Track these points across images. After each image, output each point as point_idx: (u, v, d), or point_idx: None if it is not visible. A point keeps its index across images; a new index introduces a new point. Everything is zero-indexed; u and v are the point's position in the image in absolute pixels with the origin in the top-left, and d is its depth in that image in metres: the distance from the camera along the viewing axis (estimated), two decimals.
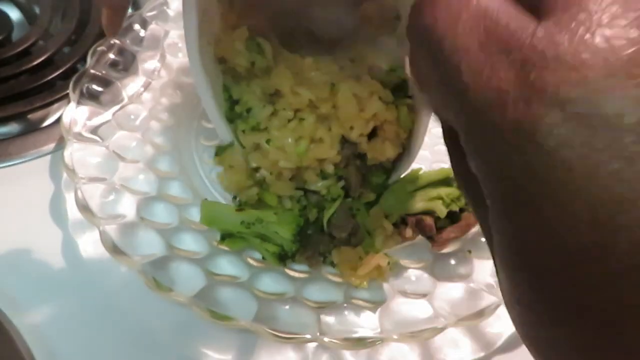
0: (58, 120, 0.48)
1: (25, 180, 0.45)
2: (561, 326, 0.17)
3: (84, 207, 0.39)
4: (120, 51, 0.48)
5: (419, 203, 0.42)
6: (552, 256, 0.16)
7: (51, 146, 0.47)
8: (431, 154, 0.50)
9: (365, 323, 0.38)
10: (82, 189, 0.40)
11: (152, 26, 0.50)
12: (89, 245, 0.42)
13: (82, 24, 0.54)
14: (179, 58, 0.50)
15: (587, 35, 0.15)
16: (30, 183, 0.45)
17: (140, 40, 0.50)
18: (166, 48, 0.50)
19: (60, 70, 0.51)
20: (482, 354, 0.39)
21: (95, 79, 0.46)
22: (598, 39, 0.15)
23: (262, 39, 0.39)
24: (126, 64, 0.48)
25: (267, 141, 0.38)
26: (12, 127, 0.49)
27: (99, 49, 0.47)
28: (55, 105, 0.50)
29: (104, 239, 0.38)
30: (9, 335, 0.36)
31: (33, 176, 0.45)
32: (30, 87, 0.49)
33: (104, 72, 0.46)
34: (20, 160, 0.46)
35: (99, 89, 0.46)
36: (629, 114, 0.14)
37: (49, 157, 0.46)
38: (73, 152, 0.41)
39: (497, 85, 0.16)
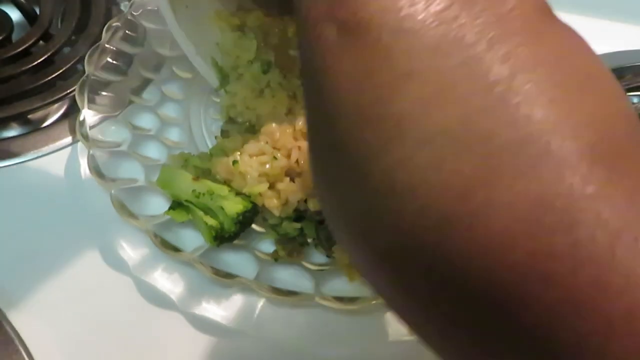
0: (58, 120, 0.49)
1: (25, 181, 0.45)
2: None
3: (96, 171, 0.41)
4: (135, 27, 0.50)
5: None
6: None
7: (51, 146, 0.47)
8: None
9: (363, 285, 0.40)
10: (95, 154, 0.42)
11: None
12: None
13: (82, 24, 0.54)
14: None
15: None
16: (30, 183, 0.45)
17: (154, 18, 0.51)
18: None
19: (60, 70, 0.50)
20: None
21: (110, 53, 0.48)
22: None
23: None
24: (140, 39, 0.50)
25: (234, 162, 0.39)
26: (13, 127, 0.49)
27: (114, 24, 0.49)
28: (56, 106, 0.50)
29: (115, 201, 0.41)
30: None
31: (33, 176, 0.46)
32: (30, 87, 0.49)
33: (118, 46, 0.48)
34: (20, 161, 0.46)
35: (113, 62, 0.48)
36: None
37: (48, 157, 0.47)
38: (87, 119, 0.44)
39: (314, 9, 0.20)
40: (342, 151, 0.19)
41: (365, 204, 0.19)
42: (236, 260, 0.41)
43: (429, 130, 0.17)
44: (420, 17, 0.18)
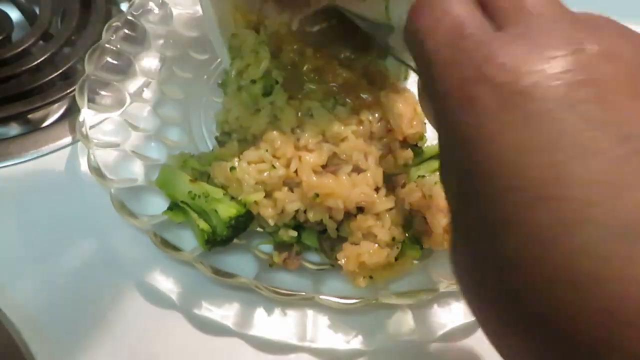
0: (58, 120, 0.49)
1: (25, 181, 0.45)
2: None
3: (96, 170, 0.41)
4: (135, 27, 0.50)
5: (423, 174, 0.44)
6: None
7: (51, 146, 0.47)
8: (433, 132, 0.51)
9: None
10: (95, 154, 0.42)
11: (167, 5, 0.52)
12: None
13: (82, 24, 0.54)
14: (191, 33, 0.52)
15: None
16: (30, 183, 0.45)
17: (154, 18, 0.51)
18: (178, 24, 0.52)
19: (60, 70, 0.50)
20: (473, 318, 0.40)
21: (110, 52, 0.48)
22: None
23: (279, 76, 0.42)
24: (140, 39, 0.50)
25: (231, 168, 0.39)
26: (13, 127, 0.49)
27: (114, 24, 0.49)
28: (56, 106, 0.50)
29: (115, 200, 0.41)
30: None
31: (33, 176, 0.46)
32: (30, 87, 0.49)
33: (118, 46, 0.48)
34: (21, 160, 0.46)
35: (113, 62, 0.48)
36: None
37: (48, 156, 0.47)
38: (86, 119, 0.44)
39: (459, 70, 0.20)
40: (505, 231, 0.18)
41: (533, 289, 0.17)
42: (236, 260, 0.41)
43: (621, 220, 0.16)
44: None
